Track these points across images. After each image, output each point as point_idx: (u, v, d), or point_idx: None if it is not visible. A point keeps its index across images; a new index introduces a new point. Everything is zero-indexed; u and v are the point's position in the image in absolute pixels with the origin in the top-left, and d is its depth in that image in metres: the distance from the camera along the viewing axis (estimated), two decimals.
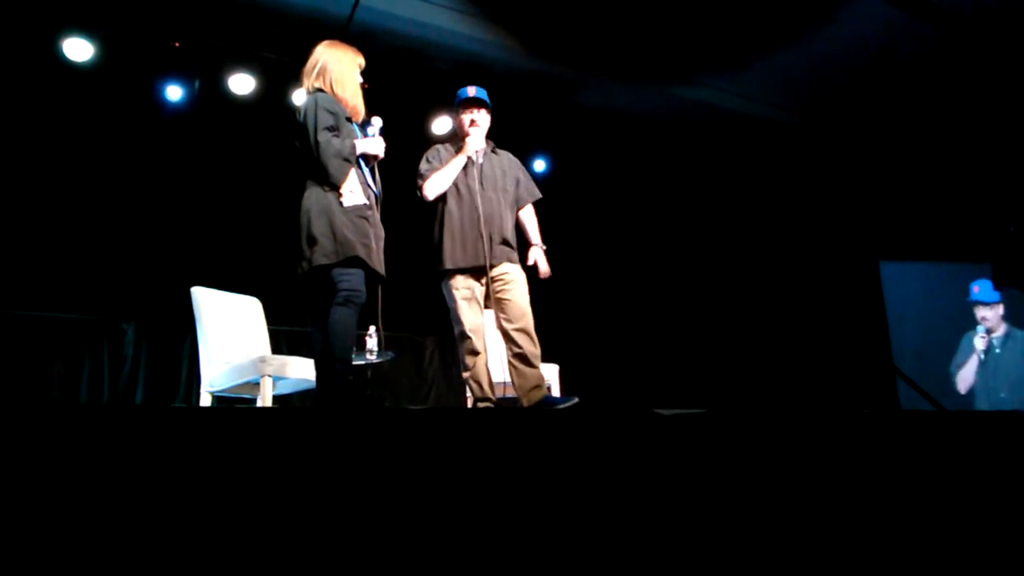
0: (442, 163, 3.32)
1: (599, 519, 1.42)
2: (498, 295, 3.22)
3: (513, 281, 3.23)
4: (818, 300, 6.41)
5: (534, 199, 3.51)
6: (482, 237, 3.18)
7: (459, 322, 3.21)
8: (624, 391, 5.78)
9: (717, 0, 4.91)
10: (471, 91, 3.39)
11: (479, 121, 3.35)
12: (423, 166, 3.37)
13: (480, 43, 5.21)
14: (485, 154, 3.37)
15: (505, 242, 3.28)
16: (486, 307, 3.28)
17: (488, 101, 3.39)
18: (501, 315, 3.22)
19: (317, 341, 2.82)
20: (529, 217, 3.51)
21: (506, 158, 3.47)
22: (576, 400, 3.11)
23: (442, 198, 3.30)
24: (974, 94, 5.71)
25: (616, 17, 5.06)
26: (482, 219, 3.19)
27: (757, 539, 1.48)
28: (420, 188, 3.32)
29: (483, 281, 3.23)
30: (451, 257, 3.22)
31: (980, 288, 4.53)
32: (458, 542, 1.32)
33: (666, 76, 5.74)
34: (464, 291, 3.21)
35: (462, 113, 3.40)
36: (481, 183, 3.27)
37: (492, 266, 3.19)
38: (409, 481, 1.38)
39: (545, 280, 3.47)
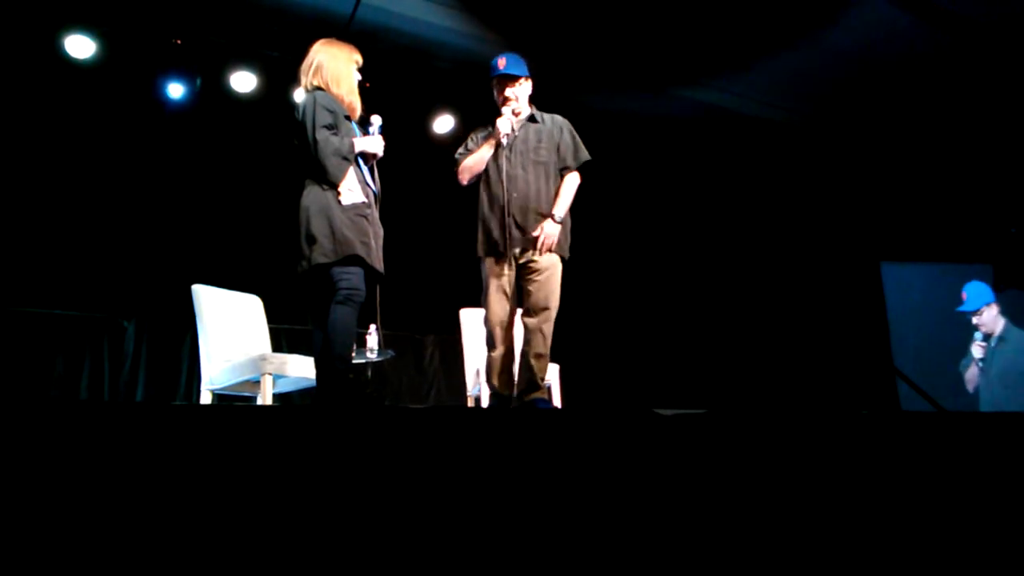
0: (477, 146, 3.19)
1: (599, 519, 1.42)
2: (525, 284, 3.09)
3: (540, 271, 3.06)
4: (819, 301, 6.41)
5: (578, 164, 3.22)
6: (506, 220, 3.03)
7: (484, 311, 3.11)
8: (624, 391, 5.78)
9: (719, 1, 4.90)
10: (501, 64, 3.17)
11: (512, 96, 3.15)
12: (458, 151, 3.26)
13: (482, 42, 5.21)
14: (522, 125, 3.18)
15: (539, 223, 3.06)
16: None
17: (522, 71, 3.19)
18: (523, 305, 3.11)
19: (317, 339, 2.82)
20: (565, 185, 3.18)
21: (549, 121, 3.23)
22: None
23: (477, 181, 3.20)
24: (976, 95, 5.71)
25: (618, 18, 5.05)
26: (507, 201, 3.04)
27: (757, 539, 1.48)
28: (456, 175, 3.22)
29: (513, 268, 3.08)
30: (481, 243, 3.14)
31: (968, 295, 4.43)
32: (458, 541, 1.32)
33: (667, 77, 5.74)
34: (495, 280, 3.07)
35: (496, 91, 3.21)
36: (511, 160, 3.09)
37: (523, 250, 3.05)
38: (409, 480, 1.38)
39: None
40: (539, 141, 3.17)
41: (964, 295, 4.44)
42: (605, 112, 6.09)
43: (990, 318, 4.34)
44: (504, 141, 3.10)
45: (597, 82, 5.79)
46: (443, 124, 5.55)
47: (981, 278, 4.70)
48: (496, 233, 3.07)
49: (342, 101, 2.90)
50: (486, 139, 3.18)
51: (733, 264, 6.53)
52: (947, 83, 5.63)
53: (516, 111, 3.18)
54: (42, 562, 1.12)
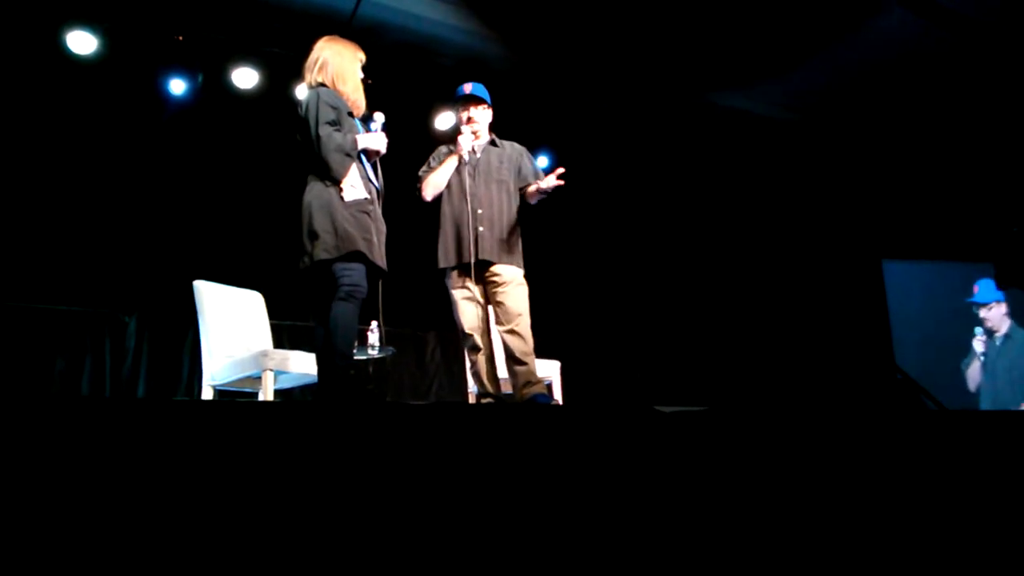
0: (439, 164, 3.35)
1: (599, 516, 1.42)
2: (493, 297, 3.23)
3: (507, 283, 3.21)
4: (821, 299, 6.41)
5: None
6: (471, 235, 3.18)
7: (458, 321, 3.26)
8: (625, 388, 5.79)
9: (721, 2, 4.89)
10: (467, 88, 3.40)
11: (475, 118, 3.36)
12: (422, 168, 3.41)
13: (484, 39, 5.20)
14: (484, 148, 3.37)
15: (502, 239, 3.24)
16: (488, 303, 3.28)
17: (485, 96, 3.39)
18: (496, 316, 3.24)
19: (319, 336, 2.82)
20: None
21: (508, 147, 3.45)
22: None
23: (439, 198, 3.34)
24: (979, 93, 5.69)
25: (619, 17, 5.05)
26: (471, 217, 3.20)
27: (757, 538, 1.48)
28: (419, 190, 3.37)
29: (477, 279, 3.23)
30: (444, 256, 3.27)
31: (980, 288, 4.49)
32: (459, 538, 1.33)
33: (669, 76, 5.73)
34: (462, 290, 3.24)
35: (460, 110, 3.42)
36: (474, 178, 3.27)
37: (484, 262, 3.18)
38: (410, 476, 1.38)
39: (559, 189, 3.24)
40: (500, 163, 3.37)
41: (976, 288, 4.49)
42: (606, 110, 6.08)
43: (998, 315, 4.41)
44: (466, 157, 3.28)
45: (599, 80, 5.78)
46: (445, 121, 5.54)
47: (983, 277, 4.73)
48: (463, 245, 3.20)
49: (347, 98, 2.90)
50: (449, 155, 3.34)
51: (735, 262, 6.52)
52: (949, 82, 5.62)
53: (476, 132, 3.35)
54: (44, 559, 1.12)
